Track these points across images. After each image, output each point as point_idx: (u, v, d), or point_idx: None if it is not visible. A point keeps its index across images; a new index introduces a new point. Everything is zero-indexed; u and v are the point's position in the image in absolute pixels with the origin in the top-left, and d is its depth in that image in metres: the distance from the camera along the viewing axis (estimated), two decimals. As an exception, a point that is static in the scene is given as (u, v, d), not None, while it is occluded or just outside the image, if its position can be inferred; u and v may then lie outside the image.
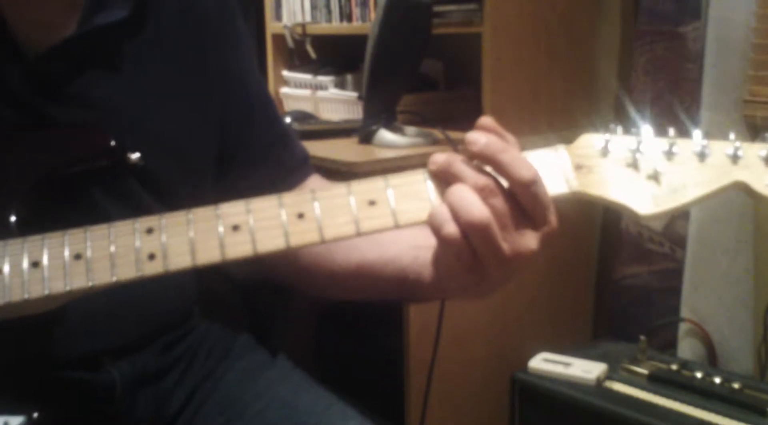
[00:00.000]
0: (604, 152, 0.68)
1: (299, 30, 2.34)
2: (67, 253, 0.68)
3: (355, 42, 1.98)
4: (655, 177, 0.67)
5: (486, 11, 1.79)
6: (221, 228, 0.67)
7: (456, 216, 0.64)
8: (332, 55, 2.37)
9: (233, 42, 0.98)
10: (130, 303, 0.87)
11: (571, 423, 1.58)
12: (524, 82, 1.89)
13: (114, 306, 0.85)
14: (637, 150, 0.67)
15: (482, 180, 0.65)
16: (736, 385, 1.51)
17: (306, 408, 0.96)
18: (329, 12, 2.30)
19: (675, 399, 1.52)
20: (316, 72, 2.32)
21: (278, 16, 2.47)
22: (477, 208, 0.64)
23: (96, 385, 0.89)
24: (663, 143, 0.67)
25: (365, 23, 2.16)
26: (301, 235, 0.67)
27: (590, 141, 0.69)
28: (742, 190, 0.66)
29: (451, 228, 0.65)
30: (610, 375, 1.62)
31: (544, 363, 1.68)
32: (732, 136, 0.66)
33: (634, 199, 0.67)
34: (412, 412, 1.76)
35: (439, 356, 1.70)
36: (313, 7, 2.35)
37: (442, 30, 1.85)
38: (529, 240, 0.66)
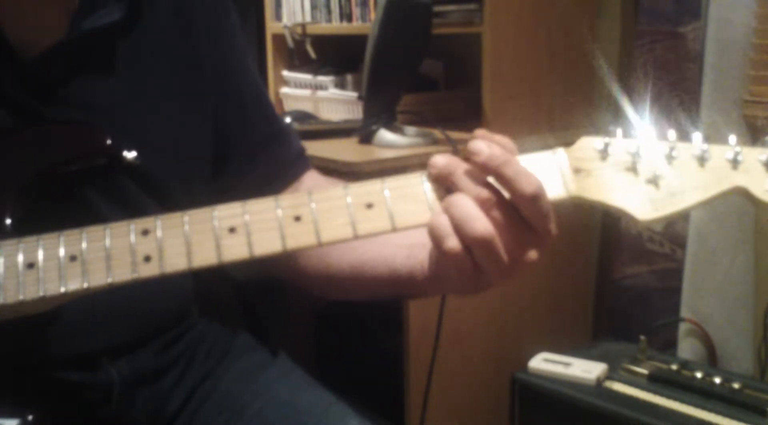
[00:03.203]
0: (604, 155, 0.67)
1: (299, 30, 2.34)
2: (62, 254, 0.67)
3: (355, 42, 1.98)
4: (654, 181, 0.66)
5: (486, 11, 1.79)
6: (217, 230, 0.67)
7: (458, 230, 0.64)
8: (332, 55, 2.36)
9: (227, 40, 0.98)
10: (127, 302, 0.87)
11: (571, 423, 1.57)
12: (524, 82, 1.89)
13: (111, 305, 0.85)
14: (637, 153, 0.66)
15: (485, 193, 0.65)
16: (736, 385, 1.51)
17: (306, 407, 0.96)
18: (329, 12, 2.30)
19: (675, 399, 1.51)
20: (316, 72, 2.31)
21: (278, 16, 2.46)
22: (480, 223, 0.64)
23: (94, 385, 0.89)
24: (663, 146, 0.66)
25: (365, 23, 2.16)
26: (298, 238, 0.66)
27: (589, 144, 0.68)
28: (741, 194, 0.65)
29: (453, 243, 0.64)
30: (610, 375, 1.62)
31: (544, 363, 1.67)
32: (732, 140, 0.65)
33: (632, 204, 0.66)
34: (412, 412, 1.76)
35: (439, 356, 1.70)
36: (313, 7, 2.34)
37: (442, 30, 1.84)
38: (530, 250, 0.66)
